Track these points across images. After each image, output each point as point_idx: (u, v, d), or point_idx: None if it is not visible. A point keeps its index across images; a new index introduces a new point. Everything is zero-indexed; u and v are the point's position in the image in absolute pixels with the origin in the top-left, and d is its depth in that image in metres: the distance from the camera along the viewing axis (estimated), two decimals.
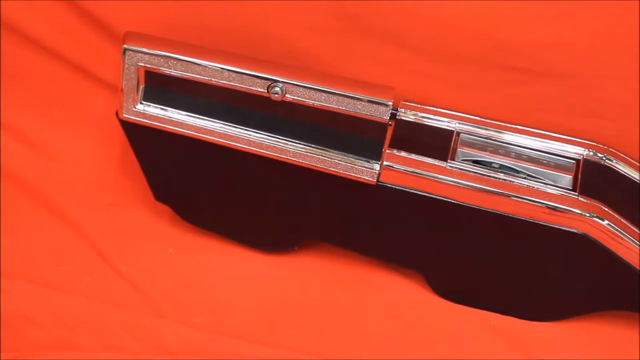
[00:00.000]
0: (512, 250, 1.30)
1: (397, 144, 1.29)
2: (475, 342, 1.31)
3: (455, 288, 1.35)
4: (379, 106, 1.24)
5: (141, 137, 1.33)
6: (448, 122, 1.33)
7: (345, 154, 1.28)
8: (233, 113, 1.30)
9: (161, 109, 1.31)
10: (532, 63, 1.31)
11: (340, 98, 1.25)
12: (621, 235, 1.24)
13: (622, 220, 1.25)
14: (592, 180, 1.28)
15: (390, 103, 1.24)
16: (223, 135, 1.30)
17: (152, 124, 1.31)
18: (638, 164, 1.31)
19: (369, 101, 1.24)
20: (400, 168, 1.27)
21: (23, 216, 1.42)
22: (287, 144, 1.29)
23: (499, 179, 1.26)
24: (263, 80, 1.26)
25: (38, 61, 1.45)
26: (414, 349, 1.30)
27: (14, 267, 1.35)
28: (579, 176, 1.28)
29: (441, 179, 1.26)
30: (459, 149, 1.30)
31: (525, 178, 1.27)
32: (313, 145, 1.28)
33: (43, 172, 1.46)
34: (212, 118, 1.30)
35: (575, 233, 1.25)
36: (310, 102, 1.26)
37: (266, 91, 1.26)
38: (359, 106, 1.25)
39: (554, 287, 1.31)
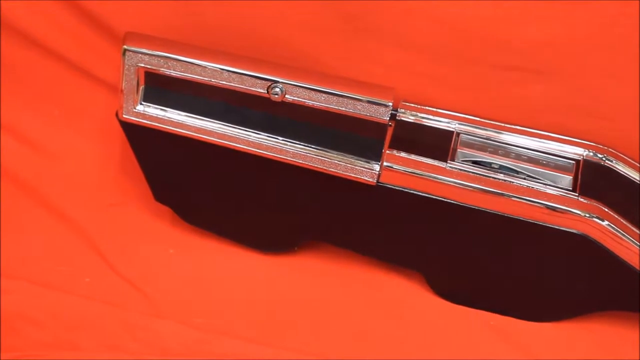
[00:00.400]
0: (512, 251, 1.30)
1: (397, 144, 1.29)
2: (474, 343, 1.31)
3: (455, 288, 1.35)
4: (379, 107, 1.24)
5: (141, 137, 1.33)
6: (448, 122, 1.33)
7: (345, 154, 1.28)
8: (233, 114, 1.30)
9: (161, 109, 1.31)
10: (533, 63, 1.31)
11: (340, 99, 1.25)
12: (621, 236, 1.24)
13: (622, 220, 1.25)
14: (592, 180, 1.28)
15: (390, 104, 1.24)
16: (223, 136, 1.30)
17: (152, 124, 1.31)
18: (638, 165, 1.31)
19: (369, 102, 1.24)
20: (400, 169, 1.27)
21: (23, 216, 1.42)
22: (287, 145, 1.29)
23: (499, 179, 1.26)
24: (263, 81, 1.26)
25: (38, 61, 1.45)
26: (414, 349, 1.30)
27: (14, 267, 1.35)
28: (579, 177, 1.28)
29: (441, 179, 1.26)
30: (458, 150, 1.30)
31: (525, 179, 1.27)
32: (313, 146, 1.28)
33: (43, 172, 1.46)
34: (212, 119, 1.30)
35: (575, 233, 1.25)
36: (310, 102, 1.26)
37: (266, 92, 1.26)
38: (358, 107, 1.25)
39: (553, 288, 1.31)
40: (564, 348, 1.31)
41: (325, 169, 1.29)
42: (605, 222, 1.24)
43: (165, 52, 1.26)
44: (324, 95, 1.25)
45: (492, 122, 1.33)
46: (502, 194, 1.25)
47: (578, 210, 1.24)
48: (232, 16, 1.35)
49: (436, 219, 1.29)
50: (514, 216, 1.26)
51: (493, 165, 1.29)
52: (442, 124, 1.33)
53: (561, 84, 1.31)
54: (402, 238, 1.33)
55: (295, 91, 1.26)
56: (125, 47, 1.27)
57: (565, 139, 1.32)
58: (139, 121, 1.31)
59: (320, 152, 1.28)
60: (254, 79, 1.26)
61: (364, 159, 1.28)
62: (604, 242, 1.25)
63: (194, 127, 1.30)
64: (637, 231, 1.25)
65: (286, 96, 1.26)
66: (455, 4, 1.28)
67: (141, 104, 1.30)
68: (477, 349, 1.31)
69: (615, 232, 1.24)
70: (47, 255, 1.38)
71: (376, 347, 1.30)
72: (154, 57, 1.27)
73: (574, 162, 1.30)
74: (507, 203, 1.26)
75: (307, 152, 1.29)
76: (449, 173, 1.27)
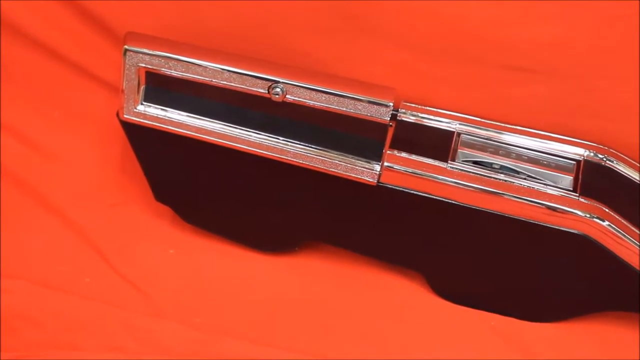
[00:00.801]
0: (513, 251, 1.30)
1: (397, 144, 1.29)
2: (475, 343, 1.31)
3: (456, 289, 1.35)
4: (380, 107, 1.24)
5: (142, 137, 1.33)
6: (449, 122, 1.33)
7: (346, 154, 1.28)
8: (233, 114, 1.30)
9: (162, 109, 1.31)
10: (533, 63, 1.31)
11: (341, 99, 1.25)
12: (622, 236, 1.24)
13: (622, 221, 1.25)
14: (593, 181, 1.28)
15: (391, 104, 1.24)
16: (223, 136, 1.30)
17: (152, 124, 1.31)
18: (639, 165, 1.31)
19: (370, 102, 1.24)
20: (400, 169, 1.27)
21: (23, 216, 1.42)
22: (288, 145, 1.29)
23: (500, 179, 1.26)
24: (264, 81, 1.26)
25: (39, 62, 1.45)
26: (415, 349, 1.30)
27: (15, 267, 1.35)
28: (580, 177, 1.28)
29: (442, 179, 1.26)
30: (459, 150, 1.30)
31: (525, 179, 1.27)
32: (313, 146, 1.28)
33: (43, 172, 1.46)
34: (213, 119, 1.30)
35: (575, 234, 1.25)
36: (310, 102, 1.26)
37: (267, 92, 1.26)
38: (359, 107, 1.25)
39: (554, 288, 1.31)
40: (564, 348, 1.31)
41: (325, 169, 1.29)
42: (606, 223, 1.24)
43: (166, 52, 1.26)
44: (324, 95, 1.25)
45: (493, 122, 1.33)
46: (502, 194, 1.25)
47: (578, 210, 1.24)
48: (233, 16, 1.35)
49: (437, 219, 1.29)
50: (514, 216, 1.26)
51: (494, 166, 1.29)
52: (443, 124, 1.33)
53: (562, 85, 1.31)
54: (402, 238, 1.33)
55: (296, 91, 1.25)
56: (126, 47, 1.27)
57: (565, 140, 1.32)
58: (139, 121, 1.31)
59: (321, 152, 1.28)
60: (254, 79, 1.26)
61: (364, 159, 1.28)
62: (604, 242, 1.25)
63: (194, 127, 1.30)
64: (638, 231, 1.25)
65: (287, 96, 1.26)
66: (456, 4, 1.28)
67: (142, 104, 1.30)
68: (478, 349, 1.31)
69: (615, 232, 1.24)
70: (48, 255, 1.38)
71: (377, 348, 1.30)
72: (154, 57, 1.27)
73: (574, 162, 1.30)
74: (508, 203, 1.26)
75: (308, 152, 1.28)
76: (450, 173, 1.27)
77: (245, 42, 1.35)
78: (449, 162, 1.28)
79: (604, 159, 1.31)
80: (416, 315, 1.34)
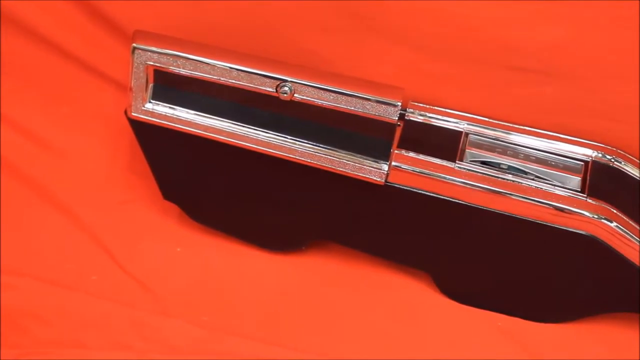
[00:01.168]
0: (520, 252, 1.29)
1: (405, 144, 1.29)
2: (481, 343, 1.31)
3: (463, 289, 1.35)
4: (388, 106, 1.24)
5: (149, 135, 1.33)
6: (456, 122, 1.33)
7: (354, 154, 1.28)
8: (241, 112, 1.30)
9: (170, 107, 1.31)
10: (541, 64, 1.30)
11: (349, 98, 1.25)
12: (629, 238, 1.24)
13: (630, 222, 1.25)
14: (601, 182, 1.28)
15: (399, 103, 1.24)
16: (231, 135, 1.30)
17: (160, 122, 1.31)
18: None
19: (378, 101, 1.24)
20: (408, 168, 1.27)
21: (31, 214, 1.42)
22: (296, 144, 1.29)
23: (507, 180, 1.26)
24: (272, 80, 1.26)
25: (47, 59, 1.45)
26: (421, 349, 1.30)
27: (22, 264, 1.35)
28: (588, 178, 1.28)
29: (449, 179, 1.26)
30: (467, 150, 1.30)
31: (533, 179, 1.27)
32: (321, 145, 1.28)
33: (51, 170, 1.46)
34: (221, 117, 1.30)
35: (583, 235, 1.25)
36: (318, 102, 1.26)
37: (275, 91, 1.26)
38: (367, 106, 1.25)
39: (561, 289, 1.31)
40: (571, 349, 1.31)
41: (333, 169, 1.29)
42: (614, 224, 1.24)
43: (175, 51, 1.26)
44: (332, 94, 1.25)
45: (500, 122, 1.33)
46: (510, 195, 1.25)
47: (586, 211, 1.24)
48: (241, 15, 1.35)
49: (444, 219, 1.29)
50: (522, 217, 1.26)
51: (501, 166, 1.29)
52: (451, 124, 1.33)
53: (570, 85, 1.31)
54: (409, 238, 1.33)
55: (304, 90, 1.25)
56: (134, 45, 1.27)
57: (573, 140, 1.32)
58: (147, 119, 1.31)
59: (329, 151, 1.28)
60: (262, 77, 1.26)
61: (372, 159, 1.28)
62: (612, 243, 1.25)
63: (202, 125, 1.30)
64: None
65: (295, 95, 1.26)
66: (465, 5, 1.28)
67: (150, 102, 1.31)
68: (484, 349, 1.30)
69: (623, 233, 1.24)
70: (55, 252, 1.38)
71: (383, 347, 1.30)
72: (163, 55, 1.27)
73: (582, 163, 1.30)
74: (515, 204, 1.26)
75: (316, 151, 1.28)
76: (458, 173, 1.27)
77: (254, 41, 1.35)
78: (457, 162, 1.28)
79: (612, 160, 1.31)
80: (423, 315, 1.34)
